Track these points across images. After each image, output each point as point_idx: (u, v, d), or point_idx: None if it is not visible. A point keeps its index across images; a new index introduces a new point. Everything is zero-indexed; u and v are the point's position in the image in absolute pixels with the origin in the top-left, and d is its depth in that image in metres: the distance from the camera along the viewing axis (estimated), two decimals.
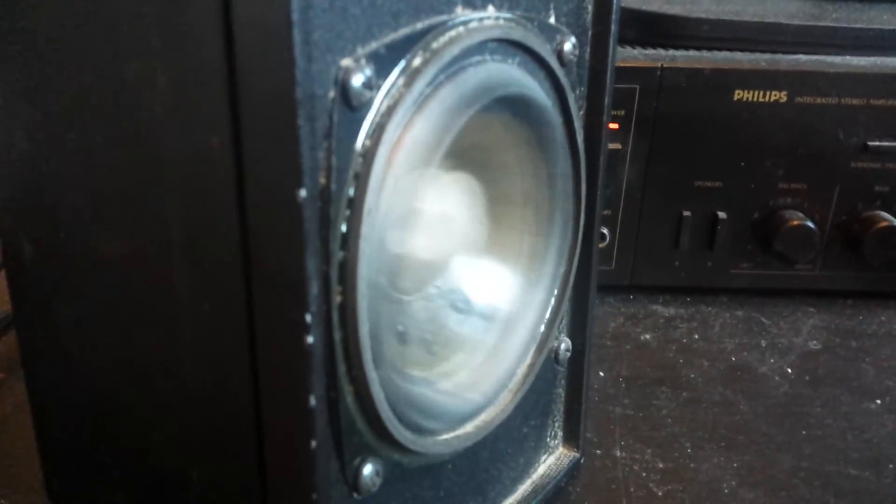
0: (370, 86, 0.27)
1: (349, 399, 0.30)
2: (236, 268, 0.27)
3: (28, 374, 0.37)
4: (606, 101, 0.39)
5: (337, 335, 0.29)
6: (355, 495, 0.32)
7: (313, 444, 0.28)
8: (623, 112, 0.60)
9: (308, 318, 0.26)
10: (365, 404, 0.30)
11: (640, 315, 0.64)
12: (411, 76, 0.28)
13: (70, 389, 0.35)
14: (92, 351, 0.33)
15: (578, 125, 0.38)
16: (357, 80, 0.26)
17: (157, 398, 0.31)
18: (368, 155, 0.28)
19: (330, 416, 0.29)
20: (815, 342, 0.61)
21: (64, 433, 0.37)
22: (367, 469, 0.32)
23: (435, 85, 0.29)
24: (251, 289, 0.27)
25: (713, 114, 0.60)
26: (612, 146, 0.60)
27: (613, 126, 0.60)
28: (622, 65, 0.59)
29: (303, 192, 0.25)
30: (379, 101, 0.28)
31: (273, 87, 0.24)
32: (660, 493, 0.46)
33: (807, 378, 0.57)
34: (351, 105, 0.27)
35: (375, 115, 0.28)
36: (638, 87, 0.59)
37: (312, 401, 0.27)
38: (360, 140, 0.27)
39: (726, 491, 0.46)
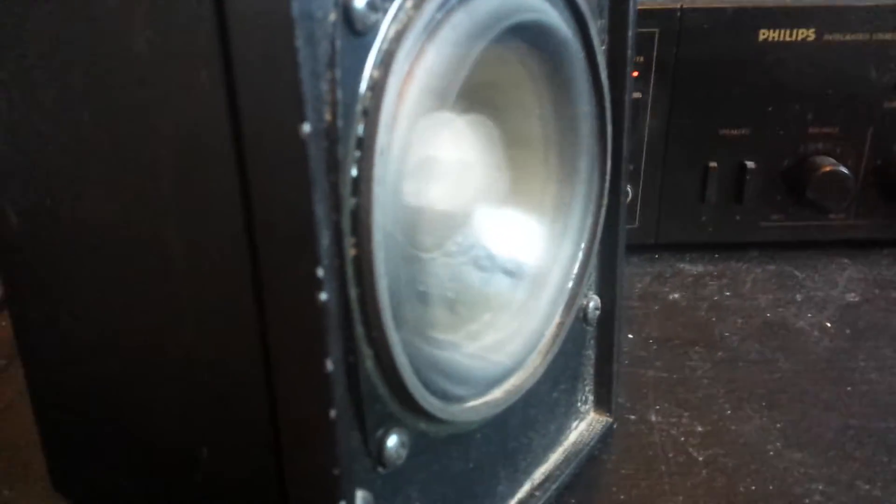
0: (375, 7, 0.24)
1: (369, 364, 0.27)
2: (236, 220, 0.24)
3: (24, 356, 0.35)
4: (630, 33, 0.36)
5: (353, 292, 0.26)
6: (380, 469, 0.29)
7: (332, 413, 0.25)
8: (642, 58, 0.56)
9: (320, 272, 0.23)
10: (387, 369, 0.28)
11: (668, 274, 0.61)
12: None
13: (68, 369, 0.33)
14: (89, 326, 0.31)
15: (601, 59, 0.35)
16: (360, 1, 0.23)
17: (159, 372, 0.29)
18: (377, 87, 0.25)
19: (349, 382, 0.26)
20: (852, 294, 0.58)
21: (65, 417, 0.34)
22: (392, 440, 0.29)
23: (446, 10, 0.26)
24: (255, 243, 0.24)
25: (737, 56, 0.57)
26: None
27: (632, 74, 0.56)
28: (640, 6, 0.55)
29: (306, 127, 0.22)
30: (386, 26, 0.25)
31: (265, 6, 0.21)
32: (700, 458, 0.43)
33: (847, 332, 0.54)
34: (355, 29, 0.23)
35: (383, 42, 0.25)
36: (657, 30, 0.56)
37: (329, 365, 0.24)
38: (368, 70, 0.24)
39: (771, 453, 0.43)
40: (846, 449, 0.43)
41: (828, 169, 0.58)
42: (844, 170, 0.59)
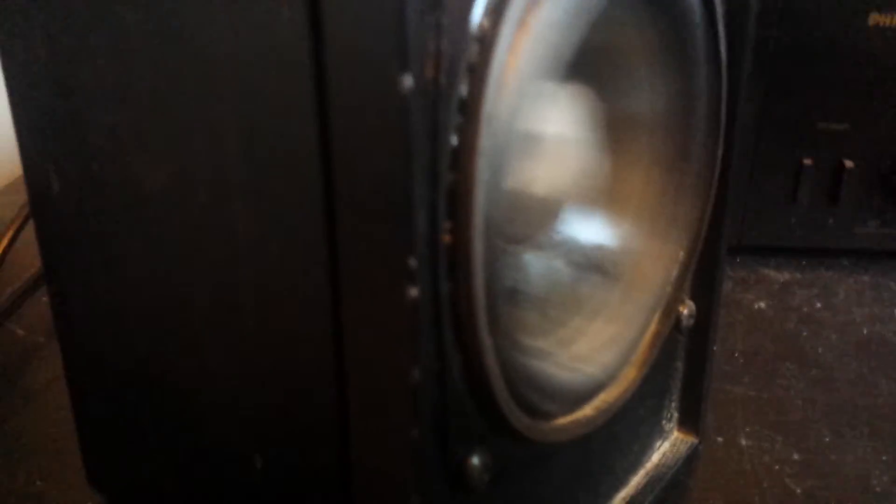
0: None
1: (456, 373, 0.23)
2: (314, 191, 0.20)
3: (62, 338, 0.31)
4: (752, 2, 0.31)
5: (443, 288, 0.21)
6: (458, 495, 0.25)
7: (415, 431, 0.21)
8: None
9: (413, 262, 0.19)
10: (476, 380, 0.23)
11: (751, 280, 0.56)
12: None
13: (110, 354, 0.29)
14: (134, 307, 0.27)
15: (722, 31, 0.30)
16: None
17: (213, 364, 0.25)
18: (486, 39, 0.20)
19: (434, 395, 0.22)
20: None
21: (104, 406, 0.31)
22: (475, 462, 0.25)
23: None
24: (334, 221, 0.20)
25: (843, 42, 0.51)
26: None
27: None
28: None
29: (408, 80, 0.18)
30: None
31: None
32: (798, 491, 0.38)
33: None
34: None
35: None
36: (756, 10, 0.50)
37: (417, 374, 0.20)
38: (476, 18, 0.20)
39: (878, 489, 0.38)
40: None
41: None
42: None
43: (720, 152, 0.32)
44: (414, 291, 0.19)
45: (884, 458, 0.40)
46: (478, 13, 0.20)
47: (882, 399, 0.45)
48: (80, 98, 0.25)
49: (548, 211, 0.29)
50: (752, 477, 0.39)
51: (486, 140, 0.20)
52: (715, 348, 0.48)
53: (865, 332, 0.51)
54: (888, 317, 0.52)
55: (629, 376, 0.31)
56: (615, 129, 0.30)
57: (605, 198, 0.31)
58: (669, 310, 0.33)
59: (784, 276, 0.57)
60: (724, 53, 0.30)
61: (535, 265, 0.29)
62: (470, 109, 0.20)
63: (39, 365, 0.46)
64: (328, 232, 0.20)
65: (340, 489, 0.23)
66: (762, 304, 0.53)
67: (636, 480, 0.37)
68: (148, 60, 0.22)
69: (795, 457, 0.40)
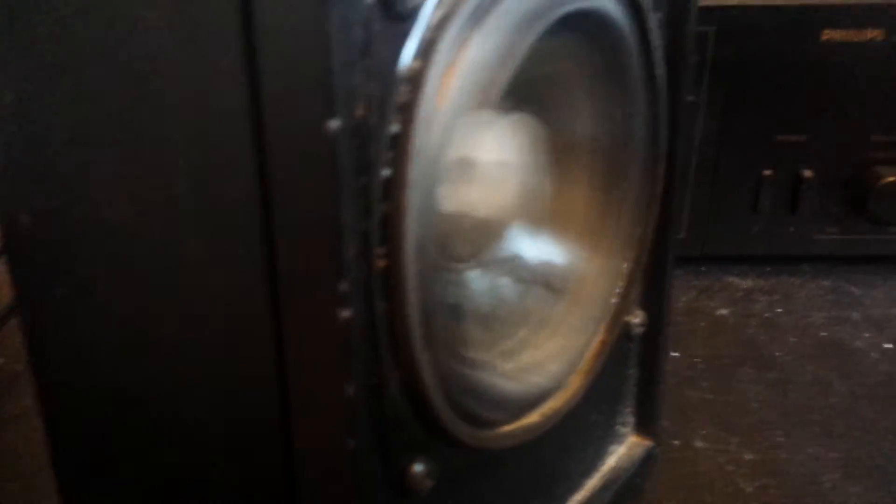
0: None
1: (394, 387, 0.25)
2: (254, 224, 0.22)
3: (34, 365, 0.33)
4: (689, 27, 0.33)
5: (379, 308, 0.23)
6: (404, 500, 0.26)
7: (352, 443, 0.23)
8: (696, 58, 0.53)
9: (344, 285, 0.21)
10: (414, 393, 0.25)
11: (715, 287, 0.58)
12: None
13: (80, 379, 0.31)
14: (101, 334, 0.28)
15: (658, 56, 0.32)
16: None
17: (172, 386, 0.26)
18: (416, 80, 0.22)
19: (372, 407, 0.24)
20: None
21: (76, 430, 0.32)
22: (417, 469, 0.26)
23: None
24: (273, 251, 0.22)
25: (798, 57, 0.53)
26: None
27: None
28: None
29: (335, 123, 0.19)
30: (429, 12, 0.22)
31: None
32: (749, 489, 0.40)
33: None
34: (394, 13, 0.21)
35: (425, 30, 0.22)
36: (713, 28, 0.52)
37: (351, 389, 0.22)
38: (406, 61, 0.22)
39: (828, 485, 0.40)
40: None
41: (891, 179, 0.54)
42: None
43: (661, 170, 0.34)
44: (346, 313, 0.21)
45: (834, 455, 0.42)
46: (407, 56, 0.22)
47: (835, 399, 0.46)
48: (44, 139, 0.27)
49: (492, 231, 0.31)
50: (706, 478, 0.41)
51: (415, 172, 0.22)
52: (676, 354, 0.51)
53: (824, 334, 0.52)
54: (846, 319, 0.54)
55: (575, 383, 0.33)
56: (558, 153, 0.32)
57: (550, 217, 0.32)
58: (616, 320, 0.35)
59: (747, 283, 0.58)
60: (660, 77, 0.32)
61: (480, 282, 0.30)
62: (400, 145, 0.22)
63: (18, 392, 0.47)
64: (268, 261, 0.22)
65: (289, 499, 0.25)
66: (724, 311, 0.55)
67: (591, 484, 0.39)
68: (105, 105, 0.24)
69: (748, 457, 0.42)
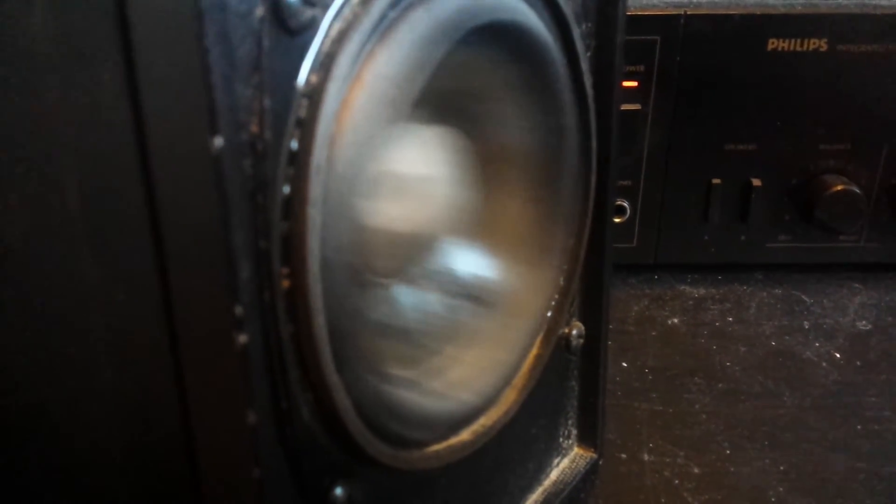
0: (311, 1, 0.21)
1: (306, 410, 0.24)
2: (146, 245, 0.21)
3: None
4: (618, 38, 0.33)
5: (285, 331, 0.22)
6: None
7: (256, 472, 0.22)
8: (642, 67, 0.53)
9: (239, 310, 0.20)
10: (327, 416, 0.24)
11: (667, 296, 0.58)
12: None
13: None
14: (10, 353, 0.27)
15: (586, 67, 0.31)
16: None
17: (77, 409, 0.25)
18: (315, 94, 0.21)
19: (281, 432, 0.23)
20: (864, 322, 0.55)
21: None
22: (337, 493, 0.26)
23: (402, 6, 0.23)
24: (166, 275, 0.21)
25: (744, 66, 0.53)
26: (630, 107, 0.53)
27: (631, 84, 0.53)
28: (640, 13, 0.52)
29: (218, 141, 0.19)
30: (327, 24, 0.21)
31: None
32: None
33: (858, 363, 0.50)
34: (287, 26, 0.20)
35: (322, 43, 0.21)
36: (658, 38, 0.52)
37: (252, 417, 0.21)
38: (304, 75, 0.21)
39: (773, 499, 0.40)
40: (855, 495, 0.40)
41: (839, 188, 0.55)
42: (856, 189, 0.55)
43: (593, 182, 0.33)
44: (242, 338, 0.20)
45: (781, 468, 0.42)
46: (305, 70, 0.21)
47: (784, 410, 0.46)
48: None
49: (417, 245, 0.30)
50: (651, 492, 0.40)
51: (316, 190, 0.21)
52: (626, 365, 0.50)
53: (774, 344, 0.52)
54: (797, 328, 0.54)
55: (509, 399, 0.32)
56: (485, 165, 0.31)
57: (480, 230, 0.32)
58: (551, 333, 0.34)
59: (699, 291, 0.58)
60: (589, 88, 0.32)
61: (407, 297, 0.30)
62: (300, 162, 0.21)
63: None
64: (162, 283, 0.21)
65: None
66: (676, 320, 0.55)
67: (534, 498, 0.38)
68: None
69: (695, 470, 0.42)
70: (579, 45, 0.30)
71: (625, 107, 0.53)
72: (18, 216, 0.24)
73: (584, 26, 0.32)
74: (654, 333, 0.53)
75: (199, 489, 0.23)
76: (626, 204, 0.57)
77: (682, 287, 0.59)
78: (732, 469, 0.42)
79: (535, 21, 0.28)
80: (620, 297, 0.57)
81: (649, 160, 0.55)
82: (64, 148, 0.21)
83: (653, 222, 0.57)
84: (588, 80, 0.31)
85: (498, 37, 0.27)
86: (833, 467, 0.42)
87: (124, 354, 0.23)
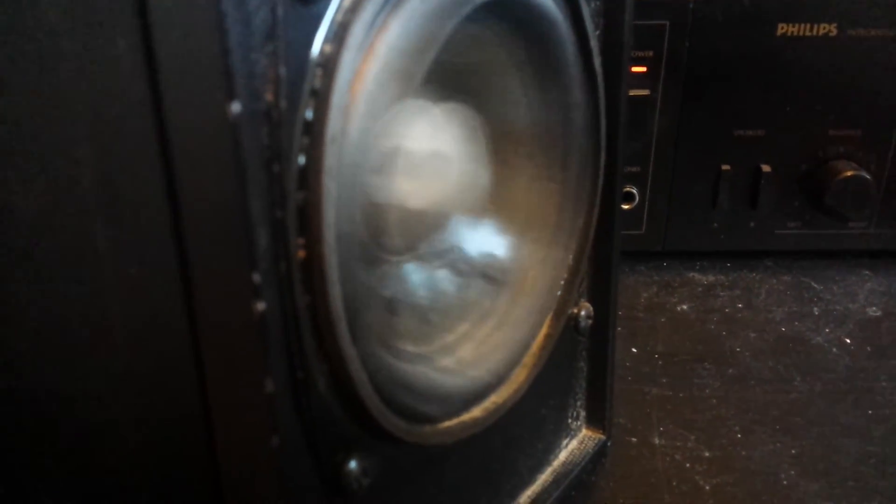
0: None
1: (322, 381, 0.24)
2: (162, 216, 0.21)
3: None
4: (627, 16, 0.33)
5: (301, 301, 0.22)
6: (338, 500, 0.26)
7: (275, 440, 0.22)
8: (651, 53, 0.53)
9: (256, 277, 0.20)
10: (343, 387, 0.24)
11: (676, 283, 0.58)
12: None
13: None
14: (12, 330, 0.27)
15: (595, 45, 0.31)
16: None
17: (86, 384, 0.26)
18: (329, 64, 0.21)
19: (297, 403, 0.23)
20: (874, 308, 0.54)
21: None
22: (351, 466, 0.26)
23: None
24: (183, 243, 0.21)
25: (754, 52, 0.53)
26: (639, 92, 0.53)
27: (640, 69, 0.53)
28: None
29: (235, 106, 0.19)
30: None
31: None
32: (707, 487, 0.39)
33: (868, 349, 0.50)
34: None
35: (336, 12, 0.21)
36: (667, 23, 0.52)
37: (270, 385, 0.21)
38: (318, 44, 0.21)
39: (785, 482, 0.40)
40: (866, 479, 0.40)
41: (849, 174, 0.54)
42: (866, 175, 0.55)
43: (602, 161, 0.33)
44: (261, 305, 0.21)
45: (793, 451, 0.42)
46: (319, 39, 0.21)
47: (794, 395, 0.46)
48: None
49: (428, 222, 0.30)
50: (663, 475, 0.40)
51: (331, 160, 0.22)
52: (635, 350, 0.50)
53: (784, 330, 0.52)
54: (807, 314, 0.54)
55: (520, 378, 0.32)
56: (496, 142, 0.31)
57: (490, 207, 0.32)
58: (561, 312, 0.34)
59: (709, 278, 0.58)
60: (597, 65, 0.32)
61: (418, 274, 0.30)
62: (315, 131, 0.21)
63: None
64: (179, 253, 0.21)
65: (215, 500, 0.24)
66: (685, 307, 0.55)
67: (542, 478, 0.38)
68: (12, 94, 0.23)
69: (706, 454, 0.42)
70: (588, 23, 0.30)
71: (633, 92, 0.53)
72: (32, 189, 0.24)
73: (593, 4, 0.32)
74: (663, 320, 0.53)
75: (215, 460, 0.23)
76: (634, 190, 0.57)
77: (691, 274, 0.59)
78: (744, 453, 0.42)
79: None
80: (629, 284, 0.57)
81: (658, 146, 0.55)
82: (79, 119, 0.22)
83: (661, 209, 0.57)
84: (597, 59, 0.31)
85: (507, 12, 0.27)
86: (844, 451, 0.41)
87: (140, 326, 0.23)
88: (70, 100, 0.22)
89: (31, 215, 0.24)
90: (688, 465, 0.41)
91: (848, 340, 0.51)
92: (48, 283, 0.25)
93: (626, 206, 0.57)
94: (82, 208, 0.23)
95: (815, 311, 0.54)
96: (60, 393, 0.26)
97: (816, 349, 0.50)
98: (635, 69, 0.52)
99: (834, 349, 0.50)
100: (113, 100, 0.21)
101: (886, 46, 0.53)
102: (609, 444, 0.41)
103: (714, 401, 0.45)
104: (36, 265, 0.25)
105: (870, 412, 0.44)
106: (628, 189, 0.57)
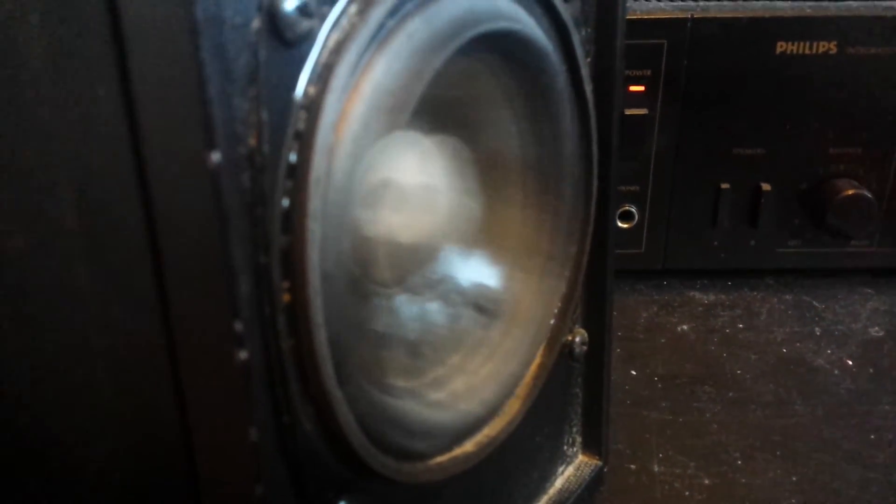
0: (308, 12, 0.20)
1: (308, 424, 0.23)
2: (144, 261, 0.21)
3: None
4: (619, 42, 0.32)
5: (286, 345, 0.22)
6: None
7: (259, 489, 0.21)
8: (649, 72, 0.52)
9: (239, 325, 0.20)
10: (330, 429, 0.24)
11: (676, 303, 0.57)
12: (366, 2, 0.22)
13: None
14: (4, 365, 0.27)
15: (586, 73, 0.31)
16: (289, 4, 0.20)
17: (69, 423, 0.25)
18: (313, 107, 0.21)
19: (284, 447, 0.23)
20: (876, 328, 0.54)
21: None
22: None
23: (400, 16, 0.23)
24: (165, 291, 0.21)
25: (753, 70, 0.53)
26: (637, 111, 0.53)
27: (638, 88, 0.52)
28: (647, 17, 0.51)
29: (215, 156, 0.18)
30: (324, 35, 0.21)
31: (165, 8, 0.17)
32: None
33: (871, 371, 0.49)
34: (283, 38, 0.20)
35: (320, 54, 0.21)
36: (665, 42, 0.52)
37: (254, 433, 0.21)
38: (301, 87, 0.21)
39: None
40: None
41: (850, 192, 0.54)
42: (868, 193, 0.54)
43: (595, 188, 0.33)
44: (243, 354, 0.20)
45: (794, 478, 0.41)
46: (303, 81, 0.21)
47: (796, 419, 0.45)
48: None
49: (419, 255, 0.30)
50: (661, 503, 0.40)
51: (315, 202, 0.21)
52: (634, 373, 0.50)
53: (785, 351, 0.51)
54: (808, 335, 0.53)
55: (513, 409, 0.32)
56: (486, 172, 0.31)
57: (482, 238, 0.31)
58: (554, 341, 0.34)
59: (709, 297, 0.58)
60: (589, 94, 0.31)
61: (409, 307, 0.29)
62: (299, 174, 0.21)
63: None
64: (161, 300, 0.21)
65: None
66: (685, 327, 0.54)
67: None
68: None
69: (706, 482, 0.41)
70: (579, 51, 0.30)
71: (632, 111, 0.53)
72: (15, 230, 0.24)
73: (583, 31, 0.31)
74: (662, 340, 0.53)
75: None
76: (633, 209, 0.56)
77: (692, 293, 0.58)
78: (744, 480, 0.41)
79: (534, 29, 0.27)
80: (628, 304, 0.57)
81: (657, 165, 0.55)
82: (60, 162, 0.21)
83: (661, 228, 0.57)
84: (588, 86, 0.31)
85: (496, 45, 0.27)
86: (846, 478, 0.41)
87: (123, 371, 0.23)
88: (52, 144, 0.21)
89: (15, 255, 0.24)
90: (687, 493, 0.40)
91: (850, 362, 0.50)
92: (31, 320, 0.25)
93: (625, 225, 0.57)
94: (65, 251, 0.22)
95: (817, 331, 0.54)
96: (42, 430, 0.26)
97: (818, 371, 0.49)
98: (633, 88, 0.52)
99: (836, 371, 0.50)
100: (94, 145, 0.20)
101: (886, 64, 0.53)
102: (606, 470, 0.40)
103: (714, 425, 0.45)
104: (19, 303, 0.25)
105: (872, 437, 0.44)
106: (627, 208, 0.56)
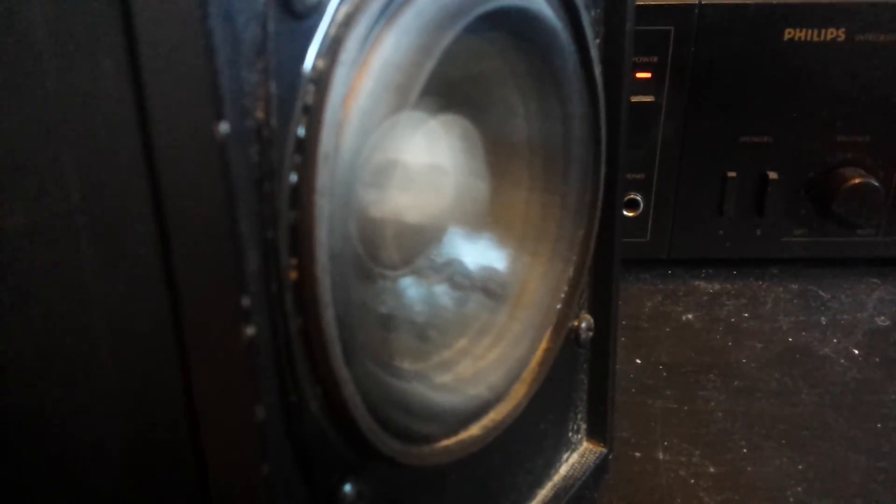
0: None
1: (315, 405, 0.23)
2: (150, 238, 0.20)
3: None
4: (628, 25, 0.32)
5: (293, 323, 0.22)
6: None
7: (265, 468, 0.21)
8: (656, 58, 0.52)
9: (246, 301, 0.20)
10: (337, 410, 0.24)
11: (681, 292, 0.57)
12: None
13: None
14: (1, 351, 0.27)
15: (595, 54, 0.31)
16: None
17: (73, 402, 0.25)
18: (322, 80, 0.21)
19: (289, 428, 0.23)
20: (882, 318, 0.53)
21: None
22: (346, 490, 0.25)
23: None
24: (171, 266, 0.20)
25: (760, 57, 0.52)
26: (644, 99, 0.53)
27: (645, 75, 0.52)
28: (654, 3, 0.51)
29: (224, 126, 0.18)
30: (333, 8, 0.21)
31: None
32: None
33: (877, 360, 0.49)
34: (292, 10, 0.20)
35: (329, 27, 0.21)
36: (672, 28, 0.51)
37: (260, 412, 0.21)
38: (310, 60, 0.21)
39: (791, 499, 0.39)
40: (875, 495, 0.39)
41: (857, 181, 0.54)
42: (875, 182, 0.54)
43: (602, 172, 0.33)
44: (250, 330, 0.20)
45: (799, 467, 0.41)
46: (312, 54, 0.21)
47: (801, 408, 0.45)
48: None
49: (426, 236, 0.29)
50: (667, 491, 0.39)
51: (324, 178, 0.21)
52: (639, 361, 0.49)
53: (791, 340, 0.51)
54: (814, 324, 0.53)
55: (519, 394, 0.32)
56: (494, 153, 0.30)
57: (489, 220, 0.31)
58: (561, 326, 0.33)
59: (714, 286, 0.57)
60: (598, 74, 0.31)
61: (415, 290, 0.29)
62: (307, 149, 0.21)
63: None
64: (167, 276, 0.20)
65: None
66: (690, 316, 0.54)
67: (543, 493, 0.37)
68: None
69: (711, 470, 0.41)
70: (588, 32, 0.30)
71: (638, 99, 0.52)
72: (18, 209, 0.23)
73: (593, 13, 0.31)
74: (667, 329, 0.52)
75: (206, 487, 0.23)
76: (639, 198, 0.56)
77: (697, 282, 0.58)
78: (749, 468, 0.41)
79: (543, 7, 0.27)
80: (633, 293, 0.56)
81: (663, 153, 0.54)
82: (65, 138, 0.21)
83: (666, 216, 0.56)
84: (597, 68, 0.31)
85: (506, 23, 0.26)
86: (852, 467, 0.41)
87: (127, 349, 0.23)
88: (56, 118, 0.21)
89: (18, 232, 0.24)
90: (692, 481, 0.40)
91: (856, 351, 0.50)
92: (34, 300, 0.25)
93: (630, 214, 0.56)
94: (69, 226, 0.22)
95: (823, 320, 0.53)
96: (45, 410, 0.26)
97: (824, 360, 0.49)
98: (640, 75, 0.52)
99: (842, 360, 0.49)
100: (99, 119, 0.20)
101: (895, 52, 0.52)
102: (610, 457, 0.40)
103: (720, 414, 0.45)
104: (22, 281, 0.25)
105: (878, 426, 0.44)
106: (632, 196, 0.56)
